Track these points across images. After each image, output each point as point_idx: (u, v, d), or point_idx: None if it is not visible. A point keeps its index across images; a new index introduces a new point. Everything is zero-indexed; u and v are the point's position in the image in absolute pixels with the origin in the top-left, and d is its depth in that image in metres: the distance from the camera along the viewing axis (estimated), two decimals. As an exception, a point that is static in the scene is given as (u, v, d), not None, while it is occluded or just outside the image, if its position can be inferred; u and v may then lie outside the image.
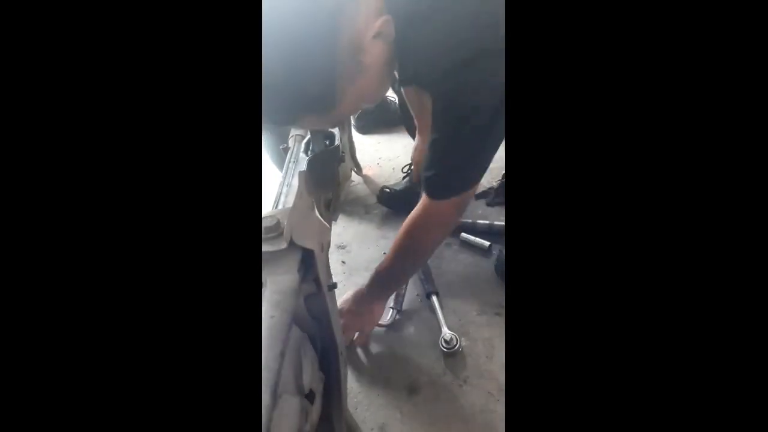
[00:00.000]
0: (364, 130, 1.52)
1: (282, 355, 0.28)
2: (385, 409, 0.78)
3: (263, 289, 0.35)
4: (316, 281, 0.46)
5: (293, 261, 0.39)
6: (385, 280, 0.85)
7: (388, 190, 1.17)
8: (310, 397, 0.42)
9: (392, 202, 1.17)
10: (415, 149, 1.15)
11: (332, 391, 0.58)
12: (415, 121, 1.11)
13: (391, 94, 1.56)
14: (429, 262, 1.02)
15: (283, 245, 0.39)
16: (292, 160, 0.80)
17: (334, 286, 0.67)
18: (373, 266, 1.06)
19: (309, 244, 0.42)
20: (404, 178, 1.20)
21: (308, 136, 0.83)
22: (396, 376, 0.83)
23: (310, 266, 0.44)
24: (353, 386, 0.83)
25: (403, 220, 0.77)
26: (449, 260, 1.05)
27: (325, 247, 0.51)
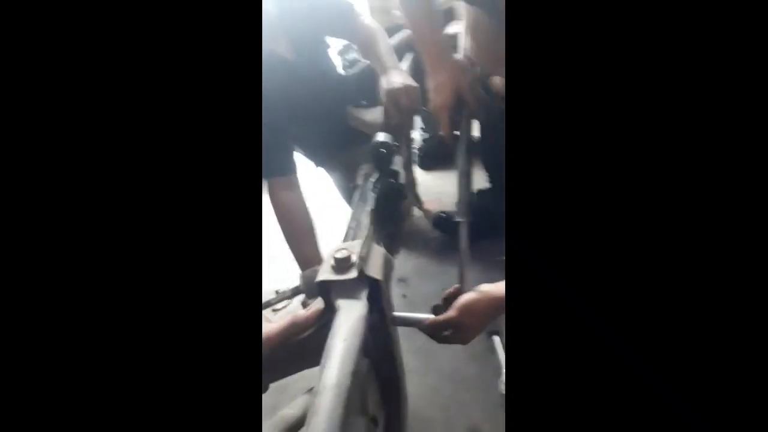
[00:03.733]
0: (427, 166, 1.57)
1: (353, 374, 0.31)
2: (445, 451, 0.76)
3: (337, 315, 0.39)
4: (381, 312, 0.49)
5: (362, 289, 0.43)
6: None
7: (444, 215, 1.21)
8: (374, 421, 0.44)
9: (447, 226, 1.20)
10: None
11: (393, 427, 0.58)
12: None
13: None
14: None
15: (354, 274, 0.42)
16: (359, 198, 0.85)
17: (395, 320, 0.68)
18: (433, 302, 1.07)
19: (376, 275, 0.45)
20: None
21: (374, 176, 0.89)
22: (456, 418, 0.81)
23: (377, 296, 0.47)
24: (412, 425, 0.81)
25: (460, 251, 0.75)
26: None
27: (389, 279, 0.54)
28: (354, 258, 0.44)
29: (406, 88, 0.94)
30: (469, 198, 0.82)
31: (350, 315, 0.38)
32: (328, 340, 0.35)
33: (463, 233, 0.77)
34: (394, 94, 0.93)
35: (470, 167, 1.00)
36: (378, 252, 0.51)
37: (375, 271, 0.46)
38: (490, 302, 0.65)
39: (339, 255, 0.44)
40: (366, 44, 1.00)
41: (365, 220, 0.61)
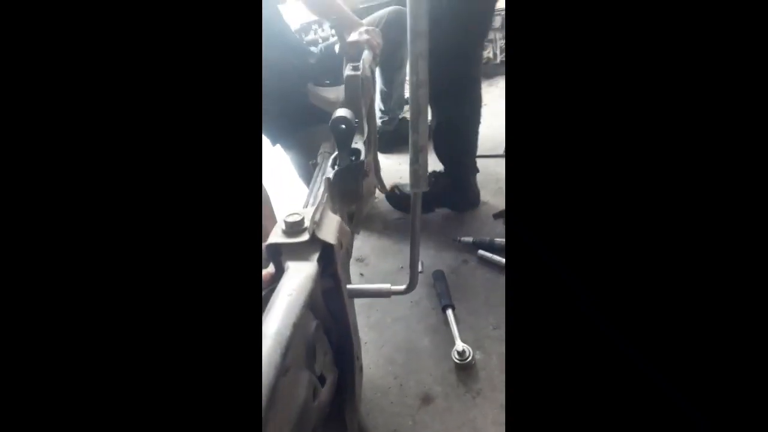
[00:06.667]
0: (385, 149, 1.58)
1: (295, 326, 0.32)
2: (398, 416, 0.79)
3: (285, 274, 0.40)
4: (335, 276, 0.50)
5: (313, 252, 0.44)
6: None
7: (398, 191, 1.23)
8: (321, 380, 0.45)
9: (400, 202, 1.24)
10: None
11: (346, 390, 0.60)
12: None
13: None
14: (446, 276, 1.04)
15: (305, 237, 0.43)
16: (319, 174, 0.85)
17: (351, 293, 0.69)
18: (390, 279, 1.10)
19: (329, 239, 0.46)
20: None
21: (335, 153, 0.90)
22: (410, 385, 0.84)
23: (329, 260, 0.48)
24: (367, 393, 0.84)
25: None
26: (467, 276, 1.06)
27: (345, 246, 0.55)
28: (307, 222, 0.45)
29: (369, 32, 0.97)
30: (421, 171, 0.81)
31: (298, 273, 0.39)
32: (272, 296, 0.36)
33: (416, 203, 0.80)
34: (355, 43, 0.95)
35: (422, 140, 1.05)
36: (332, 219, 0.52)
37: (328, 235, 0.47)
38: None
39: (290, 219, 0.45)
40: (322, 8, 1.01)
41: (322, 190, 0.61)
